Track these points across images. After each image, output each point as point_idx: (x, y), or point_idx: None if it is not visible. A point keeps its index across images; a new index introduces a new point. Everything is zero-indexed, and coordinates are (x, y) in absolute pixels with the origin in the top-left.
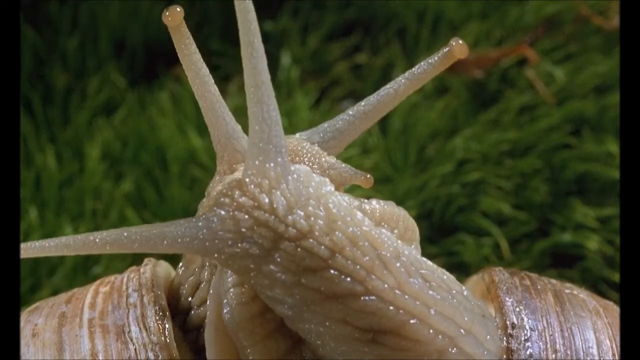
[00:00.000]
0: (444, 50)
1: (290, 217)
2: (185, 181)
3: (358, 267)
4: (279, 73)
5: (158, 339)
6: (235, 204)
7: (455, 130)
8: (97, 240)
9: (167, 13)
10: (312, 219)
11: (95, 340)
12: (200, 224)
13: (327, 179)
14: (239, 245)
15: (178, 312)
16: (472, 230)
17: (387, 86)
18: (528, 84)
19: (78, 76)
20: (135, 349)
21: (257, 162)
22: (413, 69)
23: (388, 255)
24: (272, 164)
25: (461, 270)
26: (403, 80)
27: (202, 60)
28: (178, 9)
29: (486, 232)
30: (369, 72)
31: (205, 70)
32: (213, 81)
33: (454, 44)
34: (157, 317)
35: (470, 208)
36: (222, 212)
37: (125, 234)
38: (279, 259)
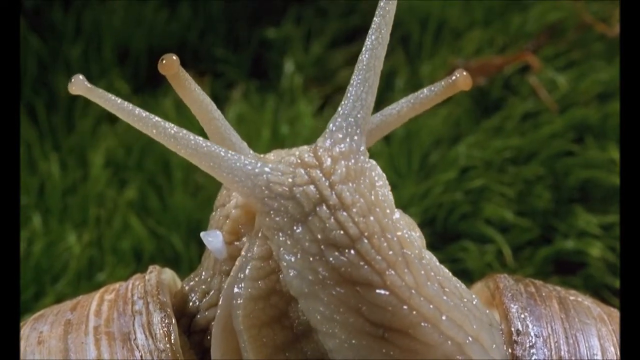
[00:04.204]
0: (449, 80)
1: (339, 186)
2: (188, 188)
3: (380, 258)
4: (282, 80)
5: (164, 346)
6: (299, 161)
7: (458, 138)
8: (163, 126)
9: (164, 62)
10: (357, 196)
11: (101, 347)
12: (257, 170)
13: (386, 179)
14: (283, 202)
15: (184, 315)
16: (475, 237)
17: (390, 107)
18: (531, 91)
19: None
20: (141, 356)
21: (337, 133)
22: (417, 94)
23: (412, 255)
24: (348, 139)
25: (464, 277)
26: (406, 103)
27: (202, 92)
28: (174, 57)
29: (489, 239)
30: None
31: (207, 99)
32: (216, 107)
33: (458, 75)
34: (163, 324)
35: (473, 215)
36: (282, 167)
37: (193, 138)
38: (311, 226)
